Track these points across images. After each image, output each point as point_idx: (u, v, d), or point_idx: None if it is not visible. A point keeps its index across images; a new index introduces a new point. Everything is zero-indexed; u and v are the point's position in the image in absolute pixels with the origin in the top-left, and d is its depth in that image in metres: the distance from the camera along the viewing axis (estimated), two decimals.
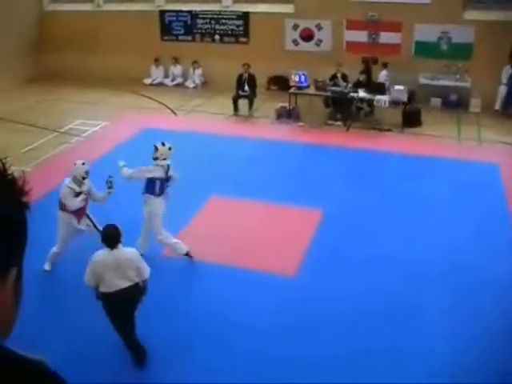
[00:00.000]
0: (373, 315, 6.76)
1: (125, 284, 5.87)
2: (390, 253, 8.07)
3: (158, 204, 7.76)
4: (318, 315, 6.83)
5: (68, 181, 7.61)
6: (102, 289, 5.92)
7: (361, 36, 15.18)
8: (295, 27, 15.90)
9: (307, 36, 15.89)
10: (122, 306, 5.89)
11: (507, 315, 6.82)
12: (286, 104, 14.10)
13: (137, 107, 15.15)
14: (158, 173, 7.74)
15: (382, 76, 14.46)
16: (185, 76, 17.32)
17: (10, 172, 1.06)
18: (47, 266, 7.75)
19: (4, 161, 1.07)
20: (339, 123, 13.63)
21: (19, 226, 1.09)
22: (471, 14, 14.32)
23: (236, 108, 14.49)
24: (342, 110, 13.74)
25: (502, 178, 10.49)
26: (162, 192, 7.79)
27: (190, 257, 7.96)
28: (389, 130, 13.15)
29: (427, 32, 14.62)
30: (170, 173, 7.86)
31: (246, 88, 14.41)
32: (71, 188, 7.54)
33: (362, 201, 9.64)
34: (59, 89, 16.91)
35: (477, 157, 11.51)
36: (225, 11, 16.66)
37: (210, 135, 12.77)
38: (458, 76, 14.49)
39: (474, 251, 8.08)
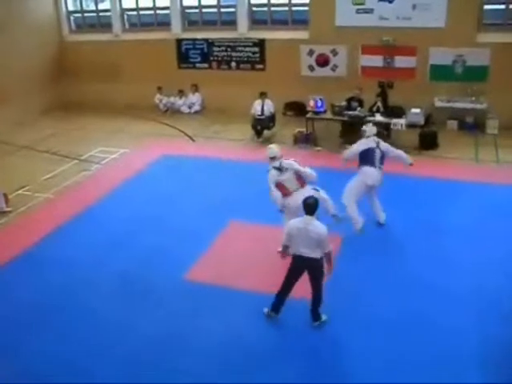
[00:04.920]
0: (387, 342, 6.75)
1: (308, 254, 6.70)
2: (408, 275, 8.07)
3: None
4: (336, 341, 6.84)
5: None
6: (291, 250, 6.90)
7: (376, 61, 15.32)
8: (310, 53, 16.09)
9: (323, 61, 16.05)
10: (299, 269, 6.88)
11: None
12: (304, 129, 14.21)
13: (156, 134, 15.37)
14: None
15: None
16: (202, 103, 17.58)
17: None
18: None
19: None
20: None
21: None
22: (485, 37, 14.39)
23: (257, 133, 14.61)
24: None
25: None
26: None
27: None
28: (406, 152, 13.11)
29: (442, 55, 14.72)
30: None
31: (264, 115, 14.56)
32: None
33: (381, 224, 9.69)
34: (80, 118, 17.28)
35: (495, 179, 11.45)
36: (240, 39, 16.93)
37: (227, 161, 12.92)
38: (473, 98, 14.54)
39: (497, 274, 8.03)
